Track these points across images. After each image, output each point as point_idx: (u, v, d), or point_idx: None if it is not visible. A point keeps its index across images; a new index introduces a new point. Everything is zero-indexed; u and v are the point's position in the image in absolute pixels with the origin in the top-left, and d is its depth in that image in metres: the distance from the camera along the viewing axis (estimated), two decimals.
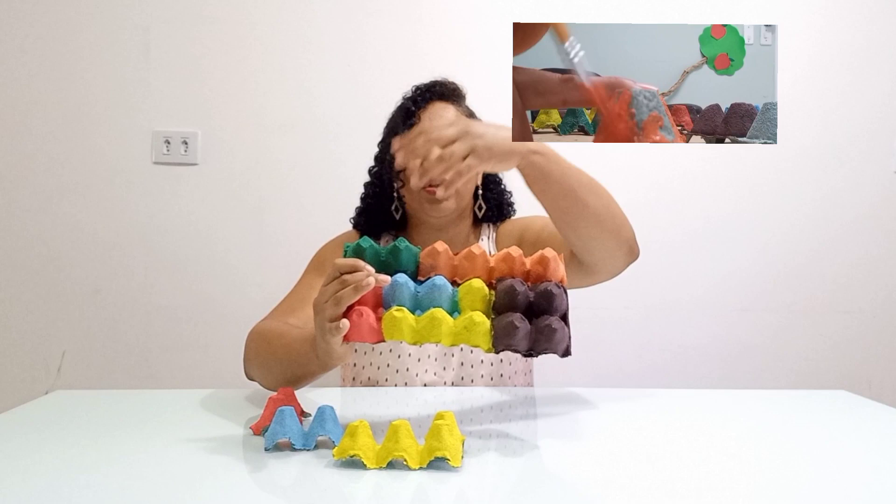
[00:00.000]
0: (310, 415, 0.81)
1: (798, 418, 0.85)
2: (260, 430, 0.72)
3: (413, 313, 0.72)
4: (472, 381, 1.07)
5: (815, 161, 1.74)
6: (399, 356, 1.06)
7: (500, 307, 0.71)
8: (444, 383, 1.06)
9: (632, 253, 0.96)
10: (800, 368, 1.73)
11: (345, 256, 0.75)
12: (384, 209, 1.15)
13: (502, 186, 1.22)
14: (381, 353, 1.07)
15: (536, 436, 0.76)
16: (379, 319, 0.72)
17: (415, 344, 0.71)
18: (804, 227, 1.74)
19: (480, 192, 1.15)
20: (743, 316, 1.74)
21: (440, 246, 0.75)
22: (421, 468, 0.60)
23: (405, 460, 0.60)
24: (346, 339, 0.72)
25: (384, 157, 1.15)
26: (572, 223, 0.91)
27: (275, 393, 0.80)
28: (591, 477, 0.62)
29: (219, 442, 0.70)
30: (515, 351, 0.70)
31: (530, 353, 0.71)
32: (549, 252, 0.74)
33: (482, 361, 1.07)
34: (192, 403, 0.88)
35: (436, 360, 1.07)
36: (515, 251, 0.75)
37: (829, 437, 0.76)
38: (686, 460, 0.67)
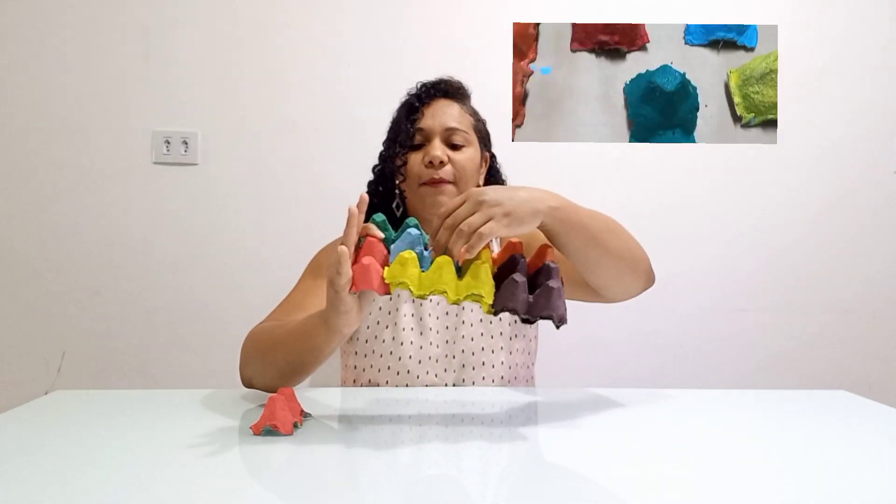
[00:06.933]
0: (310, 414, 0.81)
1: (798, 418, 0.85)
2: (260, 429, 0.72)
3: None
4: (474, 382, 1.07)
5: (815, 161, 1.74)
6: (399, 358, 1.06)
7: (501, 277, 0.74)
8: (445, 385, 1.06)
9: (648, 282, 0.99)
10: (800, 368, 1.73)
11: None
12: (387, 207, 1.15)
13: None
14: (381, 356, 1.07)
15: (537, 435, 0.76)
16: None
17: (420, 296, 0.72)
18: (804, 227, 1.74)
19: None
20: (743, 316, 1.74)
21: None
22: (456, 303, 0.72)
23: (446, 293, 0.71)
24: (353, 287, 0.73)
25: (388, 154, 1.15)
26: (594, 268, 0.90)
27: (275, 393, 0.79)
28: (591, 476, 0.62)
29: (218, 442, 0.70)
30: (514, 312, 0.71)
31: (527, 319, 0.72)
32: (546, 245, 0.78)
33: (483, 364, 1.07)
34: (191, 404, 0.88)
35: (437, 361, 1.07)
36: (516, 240, 0.77)
37: (829, 437, 0.76)
38: (686, 460, 0.67)
